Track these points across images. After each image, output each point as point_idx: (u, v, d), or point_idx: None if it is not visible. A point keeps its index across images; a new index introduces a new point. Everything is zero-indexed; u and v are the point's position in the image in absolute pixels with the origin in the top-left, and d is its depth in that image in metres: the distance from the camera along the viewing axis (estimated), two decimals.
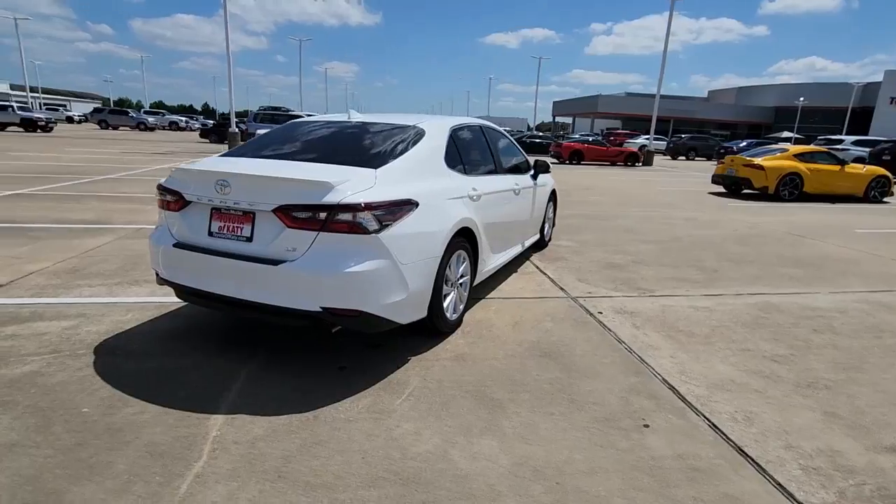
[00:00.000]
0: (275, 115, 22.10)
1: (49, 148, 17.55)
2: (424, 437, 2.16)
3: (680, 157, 29.80)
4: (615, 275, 4.72)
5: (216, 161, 3.00)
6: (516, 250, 4.54)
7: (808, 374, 2.88)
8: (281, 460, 1.97)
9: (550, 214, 5.82)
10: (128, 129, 38.06)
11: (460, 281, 3.31)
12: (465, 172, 3.45)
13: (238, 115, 24.55)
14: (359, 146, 2.99)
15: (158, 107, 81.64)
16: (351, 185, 2.44)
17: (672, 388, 2.66)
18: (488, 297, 3.97)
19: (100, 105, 62.35)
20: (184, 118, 50.36)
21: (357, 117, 3.44)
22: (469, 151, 3.74)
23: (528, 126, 76.73)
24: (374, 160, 2.76)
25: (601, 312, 3.73)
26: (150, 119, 40.87)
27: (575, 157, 21.45)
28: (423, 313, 2.86)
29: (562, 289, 4.26)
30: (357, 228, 2.38)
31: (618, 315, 3.69)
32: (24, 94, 45.34)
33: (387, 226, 2.47)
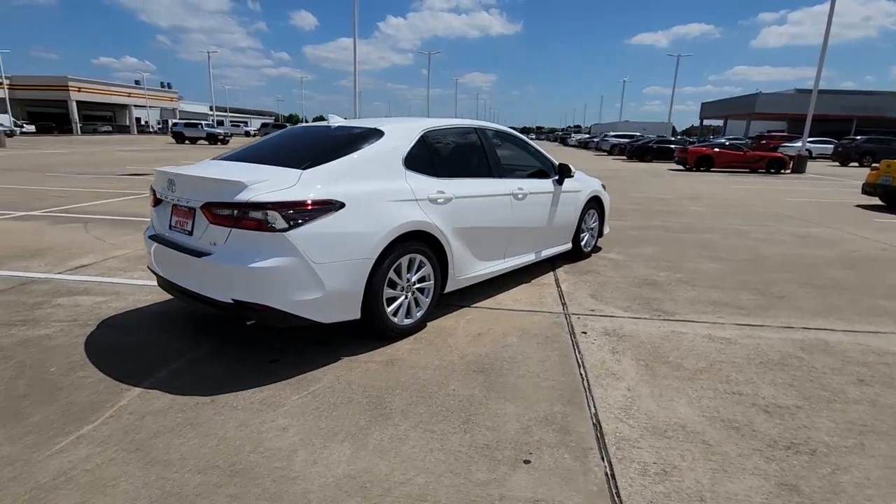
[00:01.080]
0: None
1: (202, 154, 20.98)
2: (287, 434, 2.17)
3: (851, 164, 24.77)
4: (642, 293, 4.16)
5: (202, 163, 3.36)
6: (525, 259, 4.27)
7: (800, 433, 2.25)
8: (151, 434, 2.15)
9: (593, 223, 5.34)
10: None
11: (418, 286, 3.23)
12: (435, 175, 3.36)
13: None
14: (310, 149, 3.11)
15: (317, 120, 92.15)
16: (266, 185, 2.56)
17: (597, 424, 2.29)
18: (476, 304, 3.81)
19: (270, 121, 72.75)
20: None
21: (336, 122, 3.57)
22: (447, 154, 3.64)
23: (675, 130, 70.63)
24: (311, 162, 2.85)
25: (585, 332, 3.34)
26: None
27: (703, 163, 19.15)
28: (355, 315, 2.86)
29: (564, 303, 3.89)
30: (264, 226, 2.50)
31: (603, 337, 3.27)
32: (215, 114, 55.04)
33: (297, 225, 2.54)
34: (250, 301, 2.54)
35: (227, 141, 36.65)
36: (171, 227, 2.93)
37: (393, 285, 3.05)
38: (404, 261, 3.08)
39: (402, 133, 3.30)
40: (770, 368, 2.86)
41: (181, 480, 1.87)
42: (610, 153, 33.56)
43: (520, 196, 4.03)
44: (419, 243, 3.14)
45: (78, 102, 58.57)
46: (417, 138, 3.34)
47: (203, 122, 38.04)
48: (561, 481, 1.91)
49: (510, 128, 4.54)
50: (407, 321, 3.19)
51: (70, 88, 57.17)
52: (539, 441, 2.16)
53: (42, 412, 2.29)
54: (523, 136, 4.52)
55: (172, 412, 2.32)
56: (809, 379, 2.75)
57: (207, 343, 3.06)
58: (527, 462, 2.02)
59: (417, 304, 3.27)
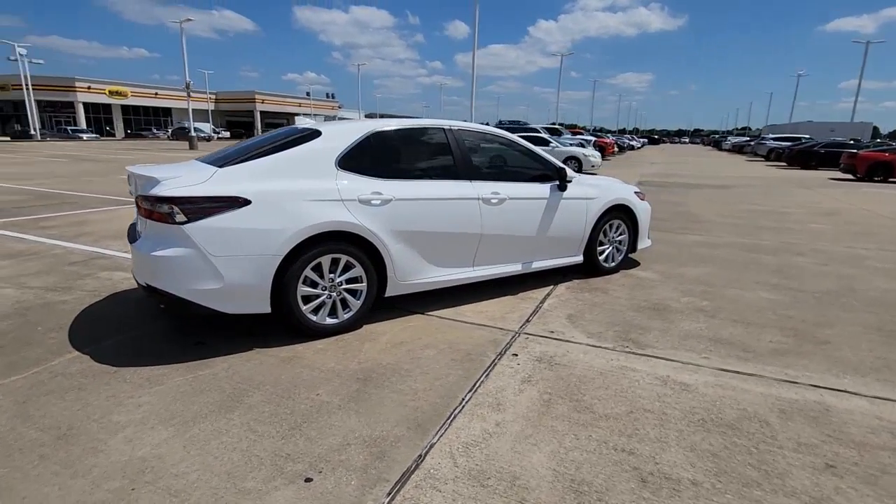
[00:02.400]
0: (510, 129, 23.42)
1: None
2: (136, 411, 2.34)
3: None
4: (633, 320, 3.56)
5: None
6: (507, 269, 3.96)
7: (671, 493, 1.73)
8: (44, 392, 2.50)
9: (618, 236, 4.71)
10: None
11: (346, 287, 3.21)
12: (378, 176, 3.30)
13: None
14: (251, 149, 3.26)
15: None
16: (178, 181, 2.79)
17: (422, 456, 2.05)
18: (431, 312, 3.64)
19: None
20: None
21: (303, 124, 3.70)
22: (401, 155, 3.54)
23: (877, 132, 58.42)
24: (237, 160, 3.01)
25: (516, 355, 2.98)
26: None
27: (877, 171, 15.42)
28: (265, 309, 2.96)
29: (527, 322, 3.52)
30: (168, 219, 2.72)
31: (531, 363, 2.88)
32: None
33: (196, 219, 2.71)
34: (155, 286, 2.79)
35: None
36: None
37: (314, 284, 3.08)
38: (325, 260, 3.08)
39: (340, 134, 3.31)
40: (707, 430, 2.25)
41: (21, 435, 2.15)
42: (767, 158, 28.97)
43: (493, 201, 3.74)
44: (344, 244, 3.12)
45: (261, 112, 69.34)
46: (358, 140, 3.31)
47: None
48: None
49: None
50: (331, 321, 3.19)
51: (256, 101, 68.00)
52: (343, 461, 2.01)
53: None
54: (515, 138, 4.17)
55: (79, 376, 2.66)
56: (750, 451, 2.10)
57: (166, 322, 3.42)
58: (308, 480, 1.90)
59: (346, 306, 3.25)
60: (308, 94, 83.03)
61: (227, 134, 65.18)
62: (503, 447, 2.11)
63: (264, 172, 2.99)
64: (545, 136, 19.10)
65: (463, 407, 2.42)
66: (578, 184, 4.35)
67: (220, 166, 2.98)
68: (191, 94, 34.53)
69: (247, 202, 2.82)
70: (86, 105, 56.73)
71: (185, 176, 2.85)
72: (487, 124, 9.44)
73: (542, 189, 4.06)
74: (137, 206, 3.02)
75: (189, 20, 35.04)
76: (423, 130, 3.71)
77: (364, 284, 3.27)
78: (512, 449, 2.10)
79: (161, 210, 2.74)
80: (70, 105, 55.48)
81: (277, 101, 71.72)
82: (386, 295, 3.40)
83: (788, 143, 26.54)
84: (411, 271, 3.45)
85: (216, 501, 1.78)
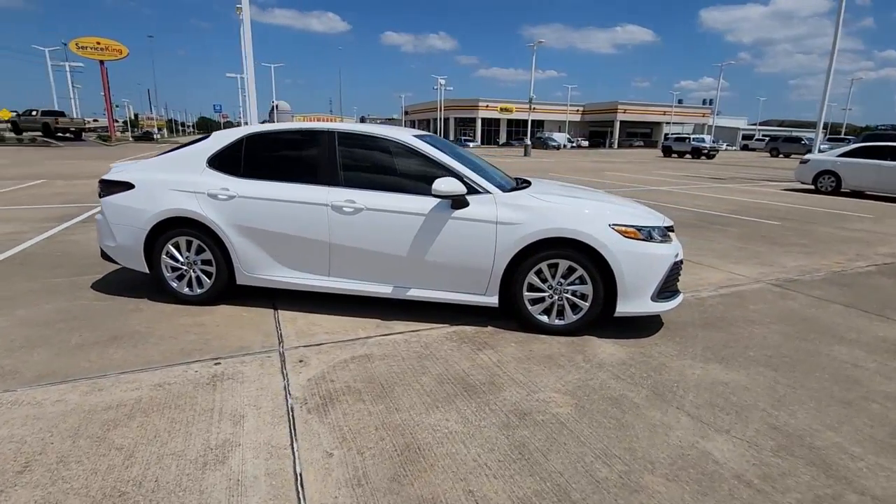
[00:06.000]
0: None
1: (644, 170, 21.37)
2: None
3: None
4: (458, 390, 2.63)
5: None
6: (373, 289, 3.53)
7: None
8: None
9: (568, 284, 3.26)
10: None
11: (201, 268, 3.75)
12: (237, 175, 3.64)
13: None
14: (167, 151, 4.09)
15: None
16: (115, 170, 3.97)
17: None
18: (285, 310, 3.70)
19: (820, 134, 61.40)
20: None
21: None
22: (269, 156, 3.69)
23: None
24: (158, 155, 3.98)
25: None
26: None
27: None
28: (144, 268, 3.85)
29: (279, 342, 3.13)
30: (99, 194, 3.96)
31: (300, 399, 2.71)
32: (750, 128, 52.30)
33: (106, 195, 3.85)
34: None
35: (713, 155, 34.86)
36: None
37: (175, 259, 3.77)
38: (182, 241, 3.72)
39: (221, 137, 3.79)
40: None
41: None
42: None
43: (346, 210, 3.42)
44: (195, 230, 3.66)
45: (621, 121, 70.05)
46: (232, 142, 3.72)
47: (692, 137, 37.63)
48: None
49: None
50: (188, 291, 3.81)
51: (618, 111, 69.12)
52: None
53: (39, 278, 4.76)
54: (421, 146, 3.48)
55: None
56: None
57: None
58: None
59: (201, 283, 3.79)
60: (680, 101, 78.17)
61: (586, 143, 69.06)
62: None
63: (157, 165, 3.87)
64: None
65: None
66: (493, 203, 3.31)
67: (148, 160, 4.03)
68: (533, 107, 38.70)
69: (131, 186, 3.77)
70: (483, 120, 71.15)
71: (120, 166, 4.03)
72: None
73: (421, 203, 3.34)
74: None
75: (540, 43, 38.89)
76: (299, 133, 3.74)
77: (214, 268, 3.72)
78: None
79: (100, 188, 4.00)
80: (472, 121, 70.87)
81: (640, 109, 70.75)
82: (238, 283, 3.73)
83: None
84: (257, 266, 3.64)
85: None
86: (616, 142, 69.04)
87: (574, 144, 62.84)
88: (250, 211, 3.56)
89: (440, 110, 62.48)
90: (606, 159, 31.99)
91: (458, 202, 3.30)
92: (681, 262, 3.46)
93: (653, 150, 51.49)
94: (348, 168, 3.56)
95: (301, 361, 2.91)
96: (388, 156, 3.63)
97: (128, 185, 3.80)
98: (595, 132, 73.67)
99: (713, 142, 37.42)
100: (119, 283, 4.28)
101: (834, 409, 2.50)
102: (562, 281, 3.29)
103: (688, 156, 35.93)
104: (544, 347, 3.16)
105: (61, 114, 37.66)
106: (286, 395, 2.52)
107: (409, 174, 3.54)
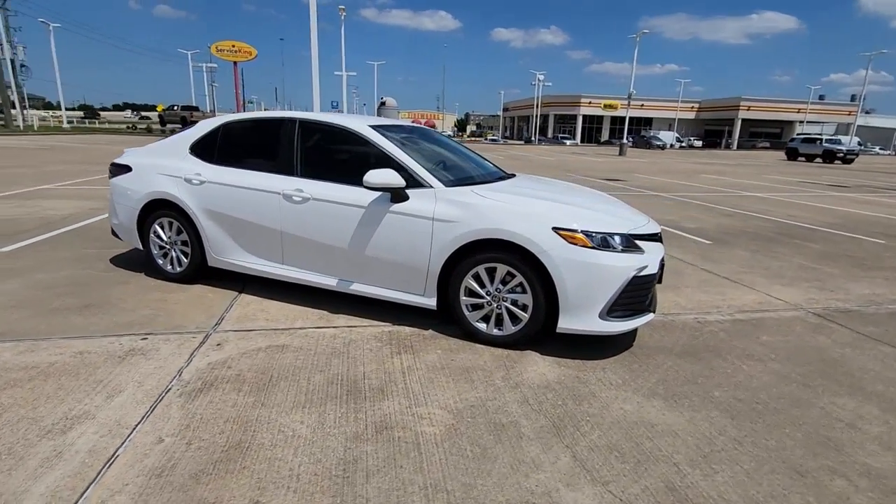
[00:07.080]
0: None
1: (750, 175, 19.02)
2: None
3: None
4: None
5: None
6: (318, 279, 3.50)
7: None
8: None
9: (507, 292, 2.94)
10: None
11: (182, 249, 3.98)
12: (211, 161, 3.80)
13: None
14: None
15: None
16: (124, 154, 4.35)
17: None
18: (250, 294, 3.81)
19: None
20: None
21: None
22: (240, 144, 3.79)
23: None
24: (156, 142, 4.29)
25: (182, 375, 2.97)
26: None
27: None
28: (139, 246, 4.19)
29: (215, 325, 3.16)
30: (110, 174, 4.36)
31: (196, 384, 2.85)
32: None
33: (113, 175, 4.23)
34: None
35: (851, 160, 29.99)
36: None
37: (160, 237, 4.05)
38: (165, 221, 3.98)
39: (203, 126, 3.96)
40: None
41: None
42: None
43: (295, 199, 3.40)
44: (171, 211, 3.89)
45: (743, 119, 62.92)
46: (210, 130, 3.88)
47: (824, 138, 32.49)
48: None
49: None
50: (170, 269, 4.07)
51: (740, 108, 62.13)
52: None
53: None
54: (372, 135, 3.33)
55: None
56: None
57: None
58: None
59: (179, 262, 4.02)
60: (822, 97, 68.48)
61: (700, 143, 63.31)
62: None
63: (153, 151, 4.16)
64: None
65: None
66: (433, 198, 3.08)
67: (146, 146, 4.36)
68: (631, 103, 36.11)
69: (130, 169, 4.10)
70: (584, 117, 68.24)
71: (130, 152, 4.40)
72: None
73: (360, 195, 3.21)
74: None
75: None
76: (267, 122, 3.77)
77: (190, 248, 3.93)
78: None
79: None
80: (573, 118, 68.27)
81: (767, 106, 62.90)
82: (209, 265, 3.90)
83: None
84: (223, 249, 3.77)
85: None
86: (735, 142, 62.20)
87: (684, 144, 57.86)
88: (218, 196, 3.69)
89: (536, 106, 60.95)
90: (713, 161, 29.00)
91: (397, 195, 3.13)
92: (651, 276, 2.95)
93: (778, 153, 45.62)
94: (306, 157, 3.54)
95: (219, 345, 2.95)
96: (343, 146, 3.55)
97: (127, 168, 4.15)
98: (711, 131, 67.11)
99: (858, 144, 32.18)
100: (131, 259, 4.70)
101: (775, 479, 1.95)
102: (500, 287, 2.97)
103: (818, 159, 31.33)
104: (470, 359, 2.88)
105: (196, 108, 43.08)
106: (176, 377, 2.56)
107: (359, 164, 3.42)
